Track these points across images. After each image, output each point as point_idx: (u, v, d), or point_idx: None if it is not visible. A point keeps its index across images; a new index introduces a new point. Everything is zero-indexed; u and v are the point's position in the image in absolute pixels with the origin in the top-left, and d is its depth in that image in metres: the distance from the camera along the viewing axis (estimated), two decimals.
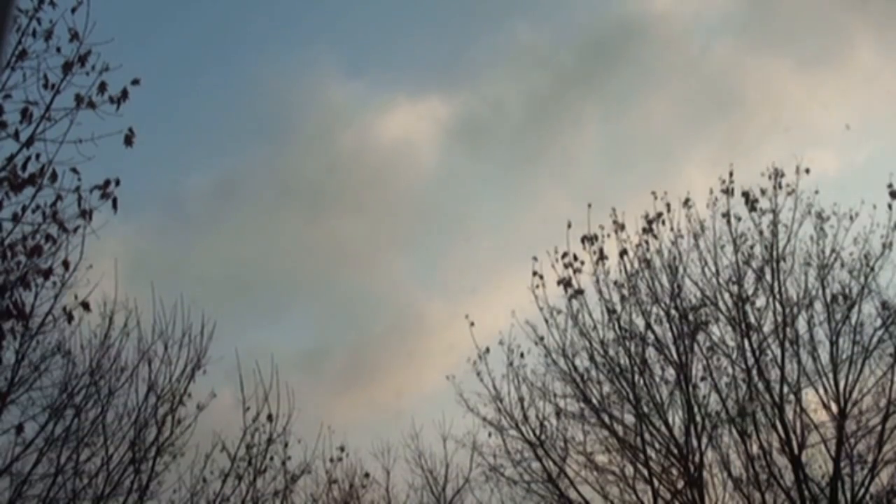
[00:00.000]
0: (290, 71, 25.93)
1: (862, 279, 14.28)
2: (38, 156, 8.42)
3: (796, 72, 23.58)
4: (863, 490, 13.68)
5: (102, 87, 8.61)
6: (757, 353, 14.28)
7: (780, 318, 14.30)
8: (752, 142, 23.24)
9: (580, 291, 14.70)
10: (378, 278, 25.78)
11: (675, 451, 14.08)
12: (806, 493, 13.62)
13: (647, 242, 14.79)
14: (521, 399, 14.88)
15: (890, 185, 14.40)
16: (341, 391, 23.19)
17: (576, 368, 14.65)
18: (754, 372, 14.19)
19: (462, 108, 26.76)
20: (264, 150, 27.48)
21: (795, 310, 14.37)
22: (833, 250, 14.39)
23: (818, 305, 14.35)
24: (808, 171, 14.58)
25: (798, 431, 13.87)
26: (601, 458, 14.63)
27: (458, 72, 26.38)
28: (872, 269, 14.25)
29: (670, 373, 14.48)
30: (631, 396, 14.31)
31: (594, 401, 14.59)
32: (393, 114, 26.91)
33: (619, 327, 14.60)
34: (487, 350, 15.06)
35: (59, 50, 8.52)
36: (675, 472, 14.20)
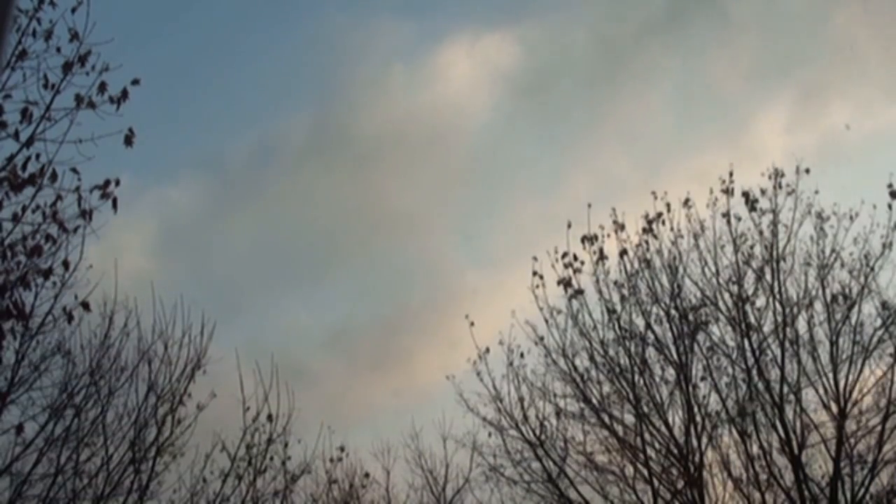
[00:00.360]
0: (338, 23, 24.47)
1: (862, 279, 14.29)
2: (38, 156, 8.42)
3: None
4: (863, 490, 13.68)
5: (102, 87, 8.60)
6: (757, 353, 14.28)
7: (780, 318, 14.31)
8: (829, 96, 21.81)
9: (580, 291, 14.70)
10: (420, 246, 24.43)
11: (675, 451, 14.08)
12: (806, 493, 13.62)
13: (647, 242, 14.80)
14: (521, 399, 14.90)
15: (890, 185, 14.41)
16: (370, 371, 22.14)
17: (576, 368, 14.66)
18: (754, 372, 14.19)
19: (526, 54, 24.77)
20: (309, 109, 26.26)
21: (795, 310, 14.38)
22: (833, 250, 14.41)
23: (818, 305, 14.37)
24: (808, 171, 14.61)
25: (798, 431, 13.87)
26: (601, 458, 14.65)
27: (525, 12, 24.27)
28: (872, 269, 14.27)
29: (670, 373, 14.50)
30: (631, 396, 14.30)
31: (594, 401, 14.59)
32: (449, 63, 25.15)
33: (619, 327, 14.61)
34: (487, 350, 15.09)
35: (59, 50, 8.52)
36: (675, 472, 14.20)
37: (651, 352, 14.58)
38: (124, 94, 8.69)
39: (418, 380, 21.12)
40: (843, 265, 14.41)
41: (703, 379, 14.39)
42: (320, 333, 24.00)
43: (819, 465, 14.16)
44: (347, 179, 25.15)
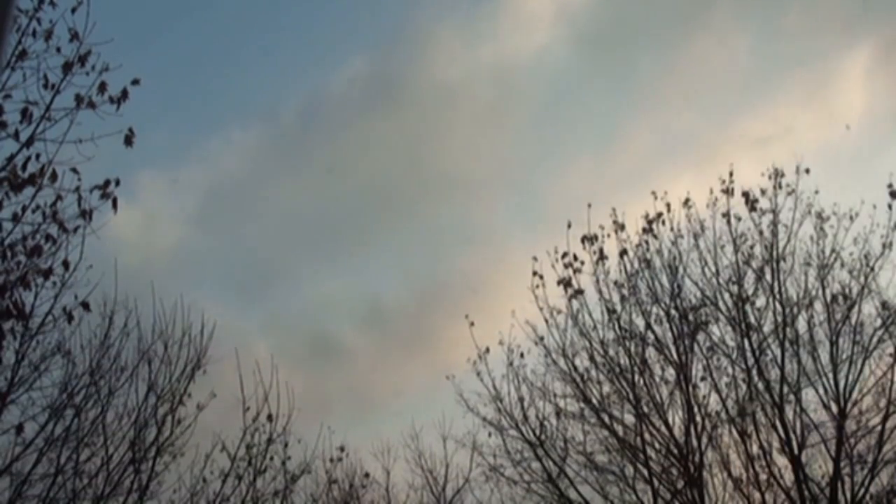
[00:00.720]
0: None
1: (862, 279, 14.29)
2: (38, 156, 8.42)
3: None
4: (863, 490, 13.68)
5: (102, 87, 8.61)
6: (757, 353, 14.28)
7: (780, 318, 14.31)
8: None
9: (580, 291, 14.70)
10: (467, 211, 23.18)
11: (675, 451, 14.08)
12: (806, 493, 13.62)
13: (647, 242, 14.80)
14: (521, 399, 14.90)
15: (890, 185, 14.41)
16: (404, 349, 21.25)
17: (576, 368, 14.66)
18: (754, 372, 14.19)
19: (599, 3, 23.63)
20: (365, 61, 24.79)
21: (795, 310, 14.38)
22: (833, 250, 14.41)
23: (818, 305, 14.37)
24: (808, 171, 14.61)
25: (798, 431, 13.88)
26: (601, 458, 14.64)
27: None
28: (872, 269, 14.27)
29: (670, 373, 14.50)
30: (631, 396, 14.30)
31: (594, 401, 14.59)
32: (515, 11, 23.89)
33: (619, 327, 14.61)
34: (488, 350, 15.09)
35: (59, 50, 8.52)
36: (675, 472, 14.20)
37: (651, 352, 14.60)
38: (124, 94, 8.69)
39: (456, 358, 18.72)
40: (843, 265, 14.43)
41: (703, 379, 14.40)
42: (355, 307, 22.86)
43: (819, 465, 14.17)
44: (400, 137, 23.79)
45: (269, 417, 12.87)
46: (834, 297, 14.33)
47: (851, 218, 14.36)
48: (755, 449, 14.02)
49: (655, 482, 14.10)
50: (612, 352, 14.54)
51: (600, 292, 14.67)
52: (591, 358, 14.59)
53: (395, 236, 23.63)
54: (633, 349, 14.51)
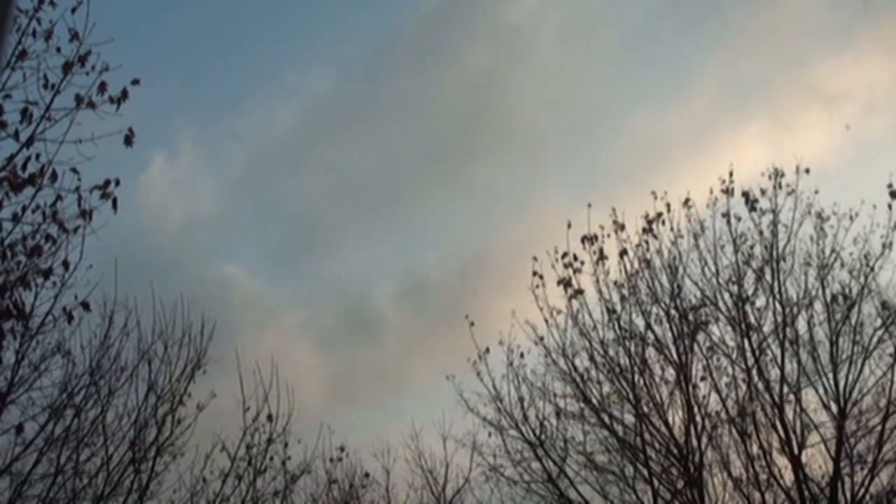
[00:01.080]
0: None
1: (862, 279, 14.29)
2: (38, 156, 8.41)
3: None
4: (863, 490, 13.68)
5: (102, 87, 8.60)
6: (757, 353, 14.28)
7: (780, 318, 14.31)
8: None
9: (580, 291, 14.70)
10: (517, 173, 22.12)
11: (675, 451, 14.07)
12: (806, 493, 13.62)
13: (647, 242, 14.80)
14: (521, 399, 14.90)
15: (890, 185, 14.41)
16: (443, 325, 20.15)
17: (576, 368, 14.66)
18: (754, 372, 14.19)
19: None
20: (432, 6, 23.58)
21: (795, 310, 14.38)
22: (833, 250, 14.42)
23: (818, 305, 14.38)
24: (807, 171, 14.61)
25: (798, 431, 13.88)
26: (601, 458, 14.64)
27: None
28: (872, 269, 14.27)
29: (670, 373, 14.50)
30: (631, 396, 14.30)
31: (594, 401, 14.58)
32: None
33: (619, 327, 14.60)
34: (487, 350, 15.09)
35: (59, 50, 8.51)
36: (675, 472, 14.20)
37: (651, 352, 14.60)
38: (124, 94, 8.68)
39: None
40: (843, 265, 14.43)
41: (703, 379, 14.40)
42: (394, 278, 22.07)
43: (819, 465, 14.18)
44: (466, 86, 22.63)
45: (269, 417, 12.88)
46: (834, 297, 14.34)
47: (851, 218, 14.38)
48: (755, 449, 14.03)
49: (655, 482, 14.10)
50: (612, 352, 14.55)
51: (600, 292, 14.69)
52: (591, 358, 14.59)
53: (445, 199, 22.62)
54: (633, 349, 14.51)
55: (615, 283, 14.76)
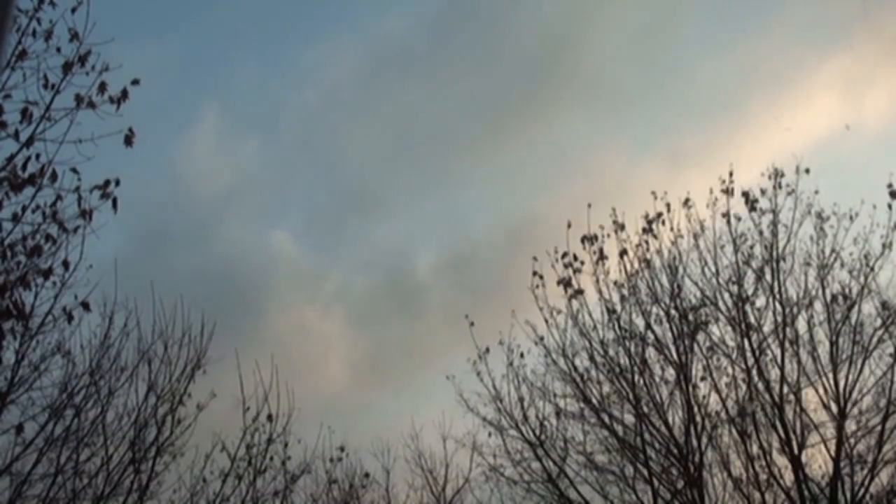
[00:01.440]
0: None
1: (862, 279, 14.30)
2: (38, 156, 8.42)
3: None
4: (863, 490, 13.68)
5: (102, 87, 8.60)
6: (757, 353, 14.28)
7: (780, 318, 14.31)
8: None
9: (580, 291, 14.70)
10: (589, 132, 21.46)
11: (675, 451, 14.08)
12: (806, 493, 13.62)
13: (647, 242, 14.80)
14: (521, 399, 14.90)
15: (890, 185, 14.41)
16: (487, 299, 19.38)
17: (576, 368, 14.66)
18: (754, 372, 14.19)
19: None
20: None
21: (795, 310, 14.38)
22: (833, 250, 14.42)
23: (818, 305, 14.38)
24: (807, 171, 14.61)
25: (798, 431, 13.88)
26: (601, 458, 14.64)
27: None
28: (872, 269, 14.28)
29: (670, 373, 14.50)
30: (631, 396, 14.30)
31: (594, 401, 14.59)
32: None
33: (619, 327, 14.60)
34: (487, 350, 15.08)
35: (59, 50, 8.51)
36: (675, 472, 14.20)
37: (651, 352, 14.60)
38: (124, 94, 8.68)
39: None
40: (843, 265, 14.44)
41: (703, 379, 14.40)
42: (437, 244, 21.51)
43: (819, 465, 14.18)
44: (540, 31, 21.82)
45: (269, 417, 12.87)
46: (834, 297, 14.34)
47: (851, 218, 14.39)
48: (755, 449, 14.04)
49: (655, 482, 14.10)
50: (612, 352, 14.56)
51: (600, 292, 14.69)
52: (591, 358, 14.60)
53: (504, 155, 21.87)
54: (633, 349, 14.51)
55: (615, 283, 14.78)
